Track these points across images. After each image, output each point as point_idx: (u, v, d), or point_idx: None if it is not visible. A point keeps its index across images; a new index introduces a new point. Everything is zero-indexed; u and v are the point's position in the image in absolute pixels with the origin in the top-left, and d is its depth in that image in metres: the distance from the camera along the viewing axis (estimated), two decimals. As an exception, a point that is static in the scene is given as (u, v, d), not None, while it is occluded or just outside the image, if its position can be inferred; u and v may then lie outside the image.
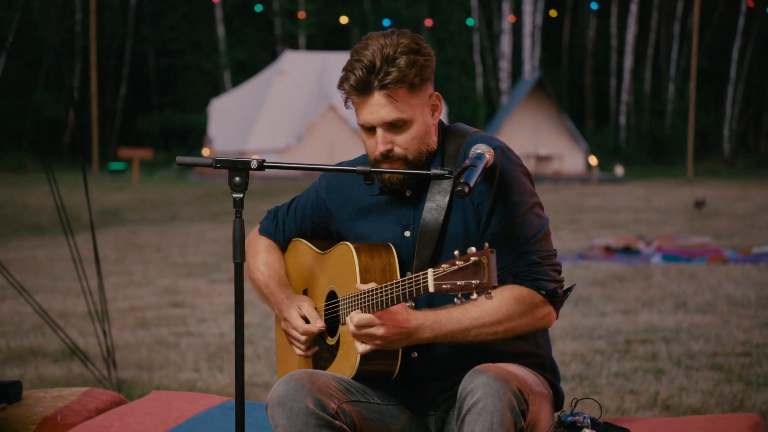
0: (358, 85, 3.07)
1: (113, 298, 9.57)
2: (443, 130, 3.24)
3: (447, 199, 3.13)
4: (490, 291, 2.69)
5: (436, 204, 3.14)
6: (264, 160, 3.06)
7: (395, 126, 3.10)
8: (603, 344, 7.41)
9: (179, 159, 3.13)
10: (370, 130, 3.13)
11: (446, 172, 3.07)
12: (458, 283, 2.70)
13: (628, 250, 12.80)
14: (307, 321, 3.30)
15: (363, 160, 3.31)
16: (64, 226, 6.34)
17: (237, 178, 3.04)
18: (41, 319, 7.16)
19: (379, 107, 3.07)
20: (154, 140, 44.79)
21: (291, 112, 33.38)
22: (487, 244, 2.70)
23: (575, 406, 3.54)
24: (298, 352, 3.34)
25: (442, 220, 3.13)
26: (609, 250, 12.79)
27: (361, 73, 3.05)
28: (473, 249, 2.70)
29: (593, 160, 33.64)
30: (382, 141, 3.10)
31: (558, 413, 3.40)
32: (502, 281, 3.08)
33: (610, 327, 8.07)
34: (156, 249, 14.27)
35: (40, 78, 44.07)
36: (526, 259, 3.09)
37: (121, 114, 46.33)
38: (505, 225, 3.09)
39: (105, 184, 28.22)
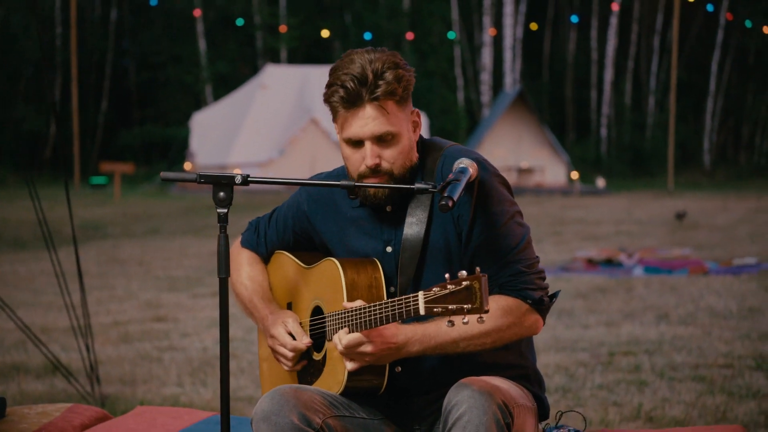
0: (349, 98, 3.06)
1: (95, 312, 9.54)
2: (422, 144, 3.25)
3: (427, 213, 3.13)
4: (482, 316, 2.70)
5: (416, 218, 3.14)
6: (248, 176, 3.06)
7: (383, 140, 3.10)
8: (586, 356, 7.43)
9: (163, 174, 3.12)
10: (356, 144, 3.12)
11: (430, 186, 3.08)
12: (449, 306, 2.72)
13: (610, 263, 12.85)
14: (293, 337, 3.30)
15: (343, 171, 3.31)
16: (47, 240, 6.32)
17: (221, 193, 3.03)
18: (23, 334, 7.13)
19: (369, 120, 3.07)
20: (135, 154, 44.71)
21: (273, 125, 33.39)
22: (478, 269, 2.71)
23: (560, 419, 3.55)
24: (285, 368, 3.34)
25: (423, 235, 3.13)
26: (591, 263, 12.84)
27: (352, 85, 3.04)
28: (464, 273, 2.71)
29: (575, 175, 33.75)
30: (371, 155, 3.09)
31: (543, 425, 3.41)
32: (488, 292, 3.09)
33: (592, 339, 8.09)
34: (138, 263, 14.24)
35: (19, 91, 43.94)
36: (510, 268, 3.10)
37: (102, 128, 46.23)
38: (487, 236, 3.10)
39: (86, 198, 28.14)
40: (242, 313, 3.28)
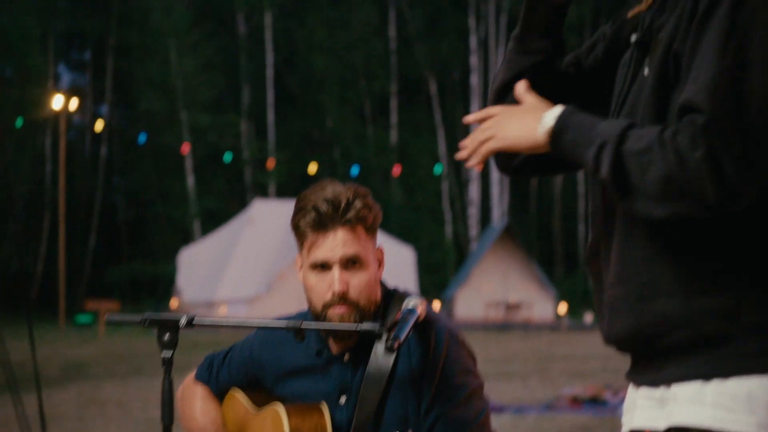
0: (322, 220, 3.00)
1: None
2: (386, 292, 3.15)
3: (389, 371, 3.01)
4: None
5: (378, 374, 3.01)
6: (194, 317, 2.97)
7: (352, 265, 3.02)
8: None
9: (107, 317, 3.06)
10: (323, 268, 3.03)
11: (376, 327, 2.97)
12: None
13: (595, 401, 12.65)
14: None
15: (303, 316, 3.20)
16: (10, 384, 6.18)
17: (166, 336, 2.94)
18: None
19: (340, 242, 3.01)
20: (123, 291, 44.59)
21: (260, 260, 33.39)
22: None
23: None
24: None
25: (380, 397, 3.00)
26: (576, 401, 12.64)
27: (326, 208, 2.99)
28: None
29: (562, 309, 33.68)
30: (340, 280, 3.00)
31: None
32: None
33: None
34: (118, 404, 13.99)
35: (8, 230, 43.99)
36: None
37: (90, 265, 46.21)
38: (446, 409, 3.00)
39: (71, 337, 27.94)
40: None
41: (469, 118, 2.35)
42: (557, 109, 2.17)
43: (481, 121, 2.28)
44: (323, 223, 3.01)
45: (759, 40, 1.99)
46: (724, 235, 2.07)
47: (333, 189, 3.04)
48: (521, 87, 2.30)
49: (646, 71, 2.17)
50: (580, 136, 2.11)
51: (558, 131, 2.14)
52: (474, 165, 2.28)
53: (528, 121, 2.20)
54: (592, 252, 2.34)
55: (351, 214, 3.00)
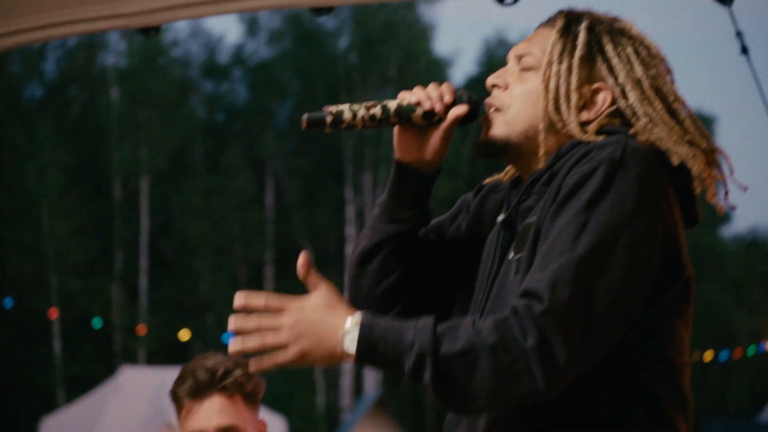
0: (198, 387, 2.97)
1: None
2: None
3: None
4: None
5: None
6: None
7: None
8: None
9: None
10: None
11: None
12: None
13: None
14: None
15: None
16: None
17: None
18: None
19: (216, 410, 2.97)
20: (-22, 464, 42.80)
21: (127, 430, 32.47)
22: None
23: None
24: None
25: None
26: None
27: (202, 375, 2.97)
28: None
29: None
30: None
31: None
32: None
33: None
34: None
35: None
36: None
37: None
38: None
39: None
40: None
41: (242, 301, 2.07)
42: (354, 330, 2.00)
43: (264, 309, 2.07)
44: (199, 390, 2.98)
45: (611, 239, 1.99)
46: (606, 423, 2.04)
47: (214, 359, 3.04)
48: (303, 263, 2.08)
49: (511, 255, 2.14)
50: (388, 353, 1.99)
51: (364, 352, 1.99)
52: (255, 370, 2.04)
53: (328, 337, 2.01)
54: (452, 426, 2.25)
55: (228, 381, 2.98)
